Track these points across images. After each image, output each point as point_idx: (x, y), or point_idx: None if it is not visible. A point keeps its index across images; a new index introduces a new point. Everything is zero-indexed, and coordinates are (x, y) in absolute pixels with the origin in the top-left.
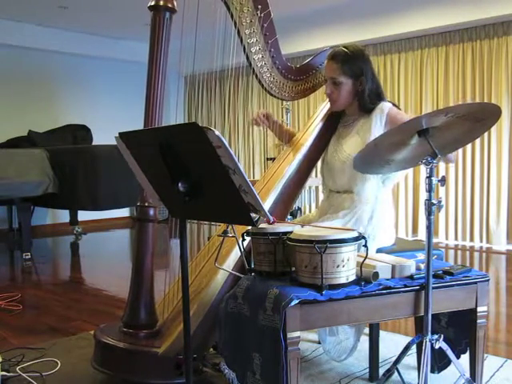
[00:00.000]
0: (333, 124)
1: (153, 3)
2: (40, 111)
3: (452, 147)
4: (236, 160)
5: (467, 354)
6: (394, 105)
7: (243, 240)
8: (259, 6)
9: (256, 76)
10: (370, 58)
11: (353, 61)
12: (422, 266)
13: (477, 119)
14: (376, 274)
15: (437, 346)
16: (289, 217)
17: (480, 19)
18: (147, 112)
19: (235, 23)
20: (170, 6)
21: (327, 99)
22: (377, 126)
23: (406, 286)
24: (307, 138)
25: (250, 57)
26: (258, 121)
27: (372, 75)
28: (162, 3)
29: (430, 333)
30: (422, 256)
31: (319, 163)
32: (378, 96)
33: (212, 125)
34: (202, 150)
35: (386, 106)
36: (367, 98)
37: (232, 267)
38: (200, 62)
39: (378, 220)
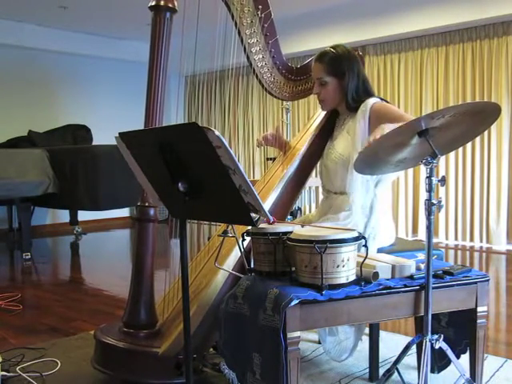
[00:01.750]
0: (331, 125)
1: (153, 3)
2: (40, 111)
3: (453, 145)
4: (236, 160)
5: (467, 353)
6: (381, 99)
7: (243, 240)
8: (260, 7)
9: (256, 76)
10: (357, 57)
11: (338, 61)
12: (422, 265)
13: (475, 114)
14: (376, 274)
15: (437, 346)
16: (289, 217)
17: (480, 19)
18: (148, 112)
19: (236, 23)
20: (170, 5)
21: None
22: (361, 123)
23: (405, 286)
24: (307, 139)
25: (250, 57)
26: (268, 140)
27: (357, 74)
28: (162, 3)
29: (429, 333)
30: (422, 256)
31: (318, 165)
32: (364, 93)
33: (212, 125)
34: (201, 150)
35: (369, 102)
36: (351, 97)
37: (232, 267)
38: (200, 62)
39: (377, 220)
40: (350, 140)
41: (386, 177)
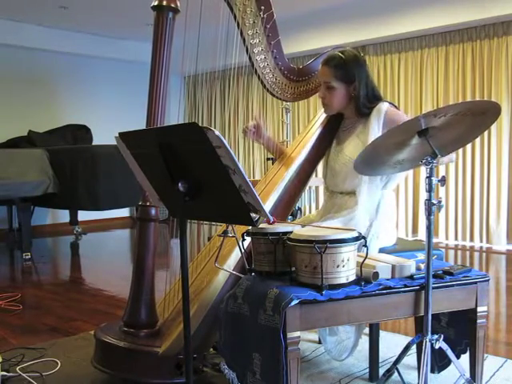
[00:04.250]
0: (333, 127)
1: (156, 3)
2: (40, 111)
3: (453, 146)
4: (236, 160)
5: (467, 353)
6: (392, 105)
7: (243, 240)
8: (262, 7)
9: (258, 77)
10: (365, 62)
11: (346, 66)
12: (422, 266)
13: (475, 114)
14: (376, 274)
15: (437, 346)
16: (289, 217)
17: (480, 19)
18: (149, 112)
19: (238, 24)
20: (173, 6)
21: None
22: (375, 128)
23: (406, 286)
24: (308, 140)
25: (252, 57)
26: (247, 131)
27: (366, 80)
28: (165, 3)
29: (429, 333)
30: (422, 256)
31: (321, 166)
32: (374, 98)
33: (212, 125)
34: (202, 150)
35: (383, 107)
36: (362, 103)
37: (232, 267)
38: (201, 62)
39: (380, 220)
40: (361, 144)
41: (394, 178)
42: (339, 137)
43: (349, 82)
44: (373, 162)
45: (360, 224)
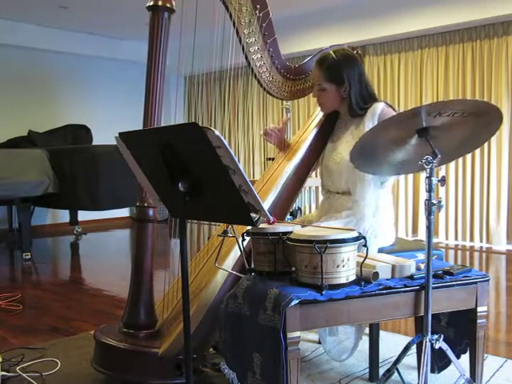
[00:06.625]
0: (330, 126)
1: (151, 3)
2: (40, 111)
3: (455, 154)
4: (236, 160)
5: (467, 353)
6: (388, 105)
7: (243, 240)
8: (258, 6)
9: (255, 76)
10: (359, 61)
11: (337, 67)
12: (422, 265)
13: (477, 116)
14: (376, 274)
15: (437, 346)
16: (289, 217)
17: (480, 19)
18: (146, 112)
19: (234, 23)
20: (168, 6)
21: None
22: (369, 128)
23: (406, 286)
24: (305, 138)
25: (248, 56)
26: (270, 133)
27: (359, 79)
28: (160, 3)
29: (429, 333)
30: (422, 256)
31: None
32: (369, 98)
33: (212, 125)
34: (202, 150)
35: (378, 108)
36: (355, 103)
37: (232, 267)
38: (199, 61)
39: (379, 219)
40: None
41: (389, 178)
42: (334, 135)
43: (339, 83)
44: (369, 156)
45: (359, 224)
